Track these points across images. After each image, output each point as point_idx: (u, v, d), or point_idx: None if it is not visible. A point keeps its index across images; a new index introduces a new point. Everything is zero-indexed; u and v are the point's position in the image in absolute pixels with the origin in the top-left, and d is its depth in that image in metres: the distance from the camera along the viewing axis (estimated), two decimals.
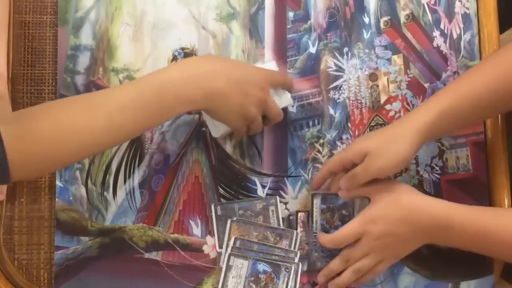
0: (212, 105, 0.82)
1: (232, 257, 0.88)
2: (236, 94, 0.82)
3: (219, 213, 0.92)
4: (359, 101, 0.96)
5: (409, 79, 0.96)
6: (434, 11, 0.98)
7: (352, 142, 0.92)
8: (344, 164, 0.87)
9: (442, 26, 0.97)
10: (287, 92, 0.91)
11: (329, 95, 0.96)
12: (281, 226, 0.91)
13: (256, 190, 0.93)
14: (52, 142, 0.74)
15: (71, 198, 0.92)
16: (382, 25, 0.97)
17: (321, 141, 0.95)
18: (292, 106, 0.94)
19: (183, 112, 0.86)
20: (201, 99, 0.80)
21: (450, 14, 0.98)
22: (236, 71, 0.83)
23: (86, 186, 0.92)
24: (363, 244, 0.85)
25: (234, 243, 0.89)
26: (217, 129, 0.90)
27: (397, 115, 0.95)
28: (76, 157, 0.80)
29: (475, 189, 0.95)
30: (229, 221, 0.91)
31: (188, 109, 0.82)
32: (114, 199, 0.92)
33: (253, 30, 0.96)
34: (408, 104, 0.96)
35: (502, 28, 1.01)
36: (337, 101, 0.96)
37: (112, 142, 0.80)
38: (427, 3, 0.97)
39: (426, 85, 0.96)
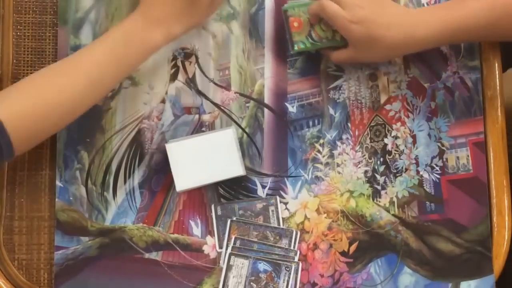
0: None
1: (232, 257, 0.88)
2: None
3: (219, 213, 0.92)
4: (359, 101, 0.96)
5: (409, 79, 0.96)
6: None
7: None
8: None
9: None
10: (240, 162, 0.91)
11: (329, 95, 0.96)
12: (281, 226, 0.92)
13: (256, 190, 0.93)
14: (43, 111, 0.80)
15: (71, 198, 0.92)
16: None
17: (321, 141, 0.95)
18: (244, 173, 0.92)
19: (151, 54, 0.87)
20: (164, 42, 0.86)
21: None
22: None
23: (86, 186, 0.92)
24: None
25: (234, 242, 0.89)
26: (181, 183, 0.90)
27: (397, 115, 0.95)
28: (68, 119, 0.84)
29: (475, 189, 0.95)
30: (229, 221, 0.91)
31: (155, 51, 0.86)
32: (114, 199, 0.92)
33: (253, 30, 0.96)
34: (408, 104, 0.96)
35: None
36: (337, 101, 0.96)
37: (95, 97, 0.86)
38: (427, 3, 0.97)
39: (426, 85, 0.96)
